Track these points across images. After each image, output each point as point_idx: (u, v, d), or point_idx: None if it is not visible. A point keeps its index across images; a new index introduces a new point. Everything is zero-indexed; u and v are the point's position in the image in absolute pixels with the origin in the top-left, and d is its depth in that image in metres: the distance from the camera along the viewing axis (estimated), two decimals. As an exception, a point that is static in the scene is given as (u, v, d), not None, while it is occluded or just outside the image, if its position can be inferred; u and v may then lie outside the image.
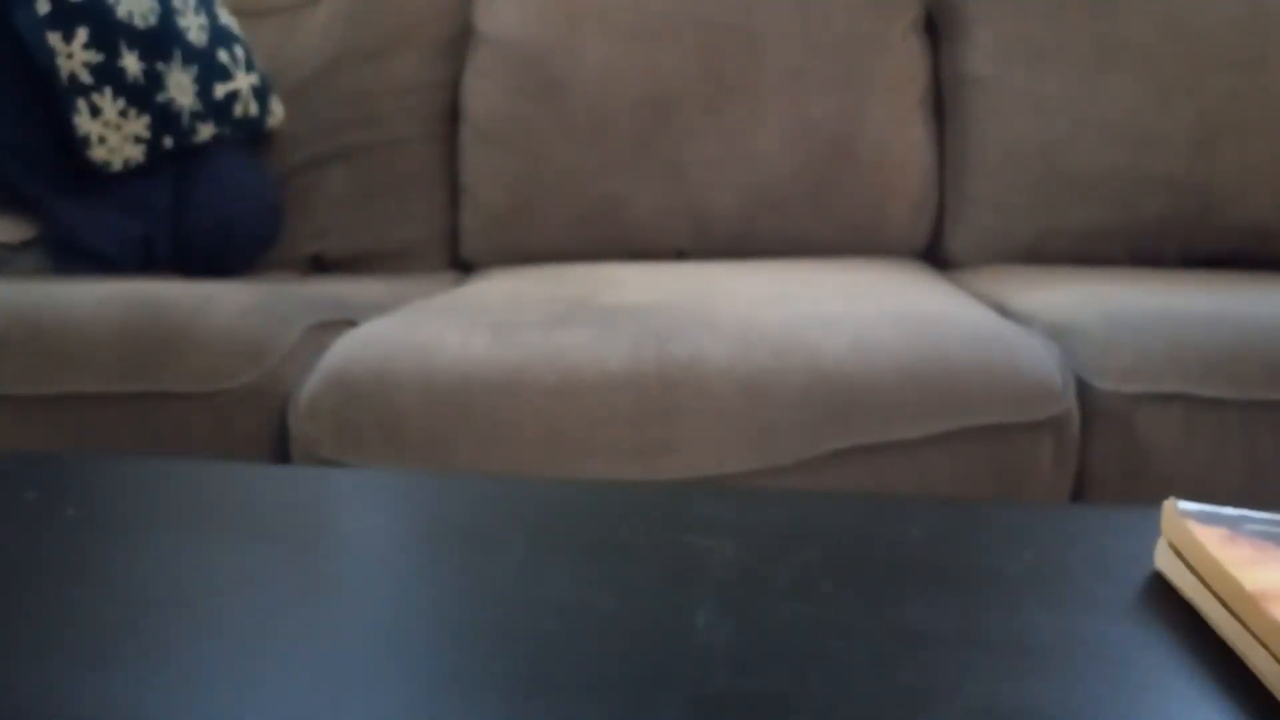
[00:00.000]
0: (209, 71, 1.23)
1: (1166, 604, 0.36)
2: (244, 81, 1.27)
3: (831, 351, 0.78)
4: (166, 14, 1.19)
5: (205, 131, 1.23)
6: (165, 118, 1.18)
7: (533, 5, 1.31)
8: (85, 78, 1.12)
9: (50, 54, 1.10)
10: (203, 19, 1.24)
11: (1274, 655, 0.30)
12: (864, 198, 1.28)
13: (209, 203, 1.25)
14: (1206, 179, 1.20)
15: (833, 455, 0.76)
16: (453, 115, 1.36)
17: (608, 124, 1.28)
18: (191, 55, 1.21)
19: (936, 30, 1.33)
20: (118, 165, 1.16)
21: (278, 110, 1.32)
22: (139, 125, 1.17)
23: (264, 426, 0.84)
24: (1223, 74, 1.19)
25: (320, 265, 1.35)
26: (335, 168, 1.34)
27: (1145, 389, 0.79)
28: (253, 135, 1.31)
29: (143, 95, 1.16)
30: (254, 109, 1.28)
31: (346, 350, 0.83)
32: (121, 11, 1.14)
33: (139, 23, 1.16)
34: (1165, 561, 0.38)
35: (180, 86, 1.20)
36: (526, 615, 0.35)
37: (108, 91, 1.14)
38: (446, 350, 0.80)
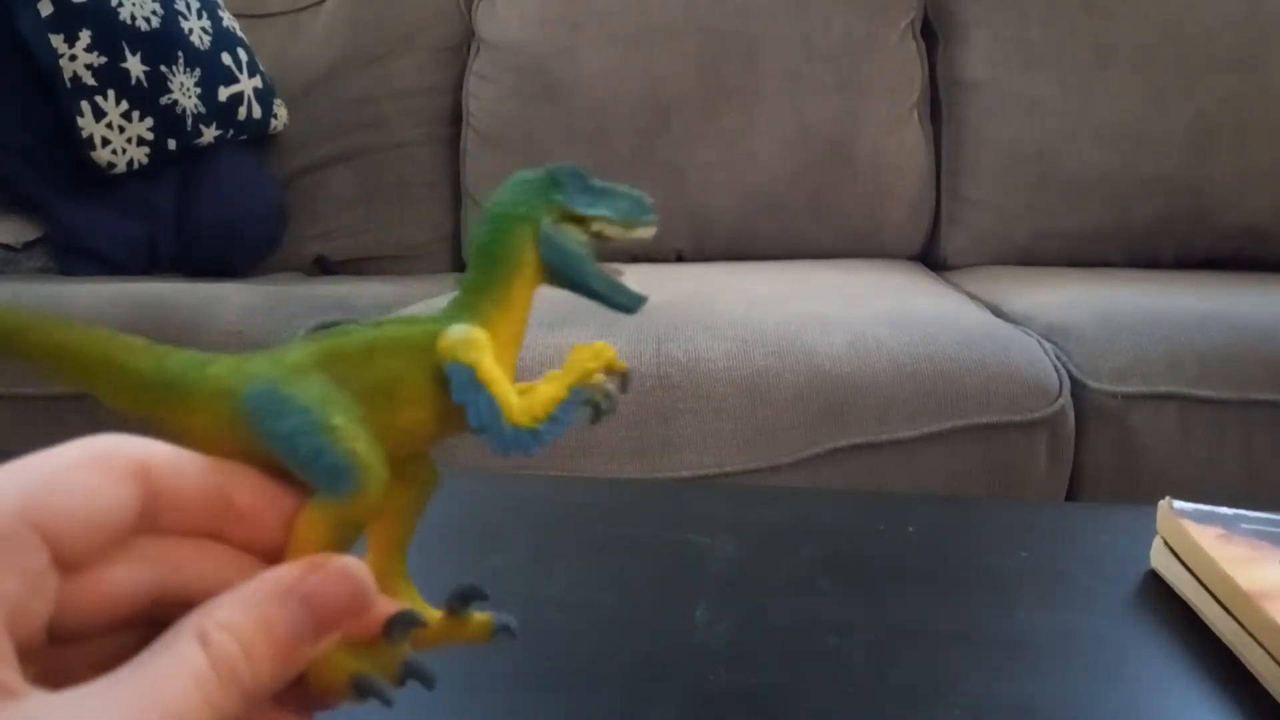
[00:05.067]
0: (212, 74, 1.23)
1: (1162, 602, 0.36)
2: (247, 84, 1.27)
3: (829, 352, 0.78)
4: (169, 17, 1.19)
5: (209, 134, 1.24)
6: (169, 120, 1.19)
7: (534, 10, 1.32)
8: (88, 80, 1.12)
9: (53, 56, 1.10)
10: (205, 22, 1.25)
11: (1270, 653, 0.30)
12: (861, 200, 1.28)
13: (213, 205, 1.25)
14: (1202, 180, 1.20)
15: (830, 454, 0.76)
16: (455, 119, 1.36)
17: (608, 127, 1.29)
18: (195, 58, 1.21)
19: (933, 34, 1.33)
20: (121, 167, 1.16)
21: (281, 113, 1.33)
22: (142, 127, 1.17)
23: (266, 427, 0.84)
24: (1219, 76, 1.20)
25: (323, 267, 1.35)
26: (338, 170, 1.34)
27: (1140, 389, 0.79)
28: (256, 138, 1.31)
29: (146, 97, 1.16)
30: (258, 112, 1.29)
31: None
32: (124, 14, 1.15)
33: (142, 25, 1.16)
34: (1160, 560, 0.38)
35: (183, 89, 1.20)
36: (528, 611, 0.35)
37: (111, 94, 1.14)
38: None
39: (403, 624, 0.21)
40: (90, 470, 0.18)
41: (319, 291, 1.09)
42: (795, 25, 1.28)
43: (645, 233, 0.22)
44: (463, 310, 0.22)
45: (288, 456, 0.19)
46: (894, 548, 0.41)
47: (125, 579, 0.18)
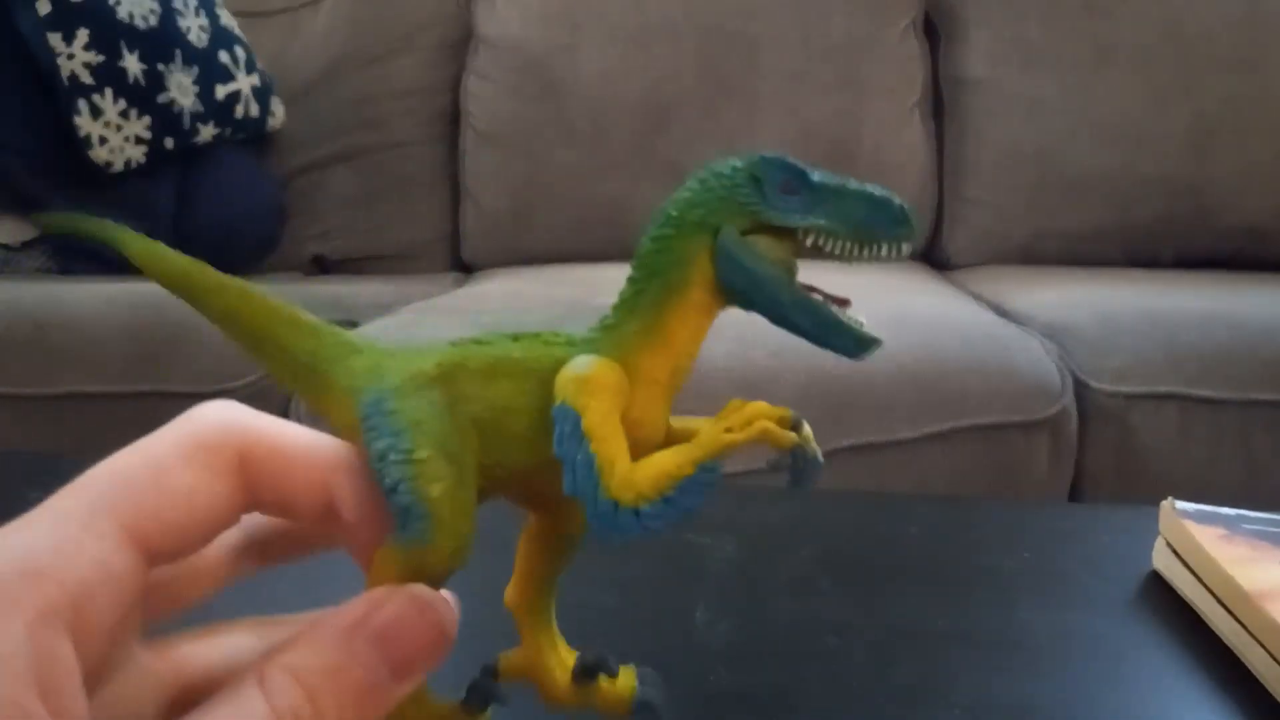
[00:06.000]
0: (210, 73, 1.23)
1: (1163, 602, 0.36)
2: (245, 83, 1.27)
3: (829, 352, 0.78)
4: (167, 15, 1.19)
5: (206, 133, 1.23)
6: (166, 119, 1.18)
7: (534, 9, 1.31)
8: (86, 78, 1.12)
9: (51, 55, 1.10)
10: (204, 20, 1.25)
11: (1271, 654, 0.30)
12: (863, 199, 1.28)
13: (210, 204, 1.25)
14: (1202, 180, 1.20)
15: (831, 454, 0.76)
16: (454, 118, 1.36)
17: (607, 127, 1.28)
18: (192, 56, 1.21)
19: (934, 33, 1.33)
20: (119, 166, 1.16)
21: (279, 112, 1.32)
22: (140, 126, 1.17)
23: (265, 427, 0.84)
24: (1219, 76, 1.20)
25: (322, 266, 1.35)
26: (337, 169, 1.34)
27: (1141, 389, 0.79)
28: (254, 136, 1.31)
29: (144, 96, 1.16)
30: (255, 110, 1.28)
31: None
32: (122, 13, 1.15)
33: (140, 24, 1.16)
34: (1162, 560, 0.38)
35: (181, 87, 1.20)
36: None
37: (109, 92, 1.14)
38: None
39: (482, 697, 0.18)
40: (192, 471, 0.17)
41: (317, 291, 1.09)
42: (796, 24, 1.28)
43: (890, 251, 0.17)
44: (605, 334, 0.18)
45: (378, 480, 0.17)
46: (895, 548, 0.41)
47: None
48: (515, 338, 0.18)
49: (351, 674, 0.16)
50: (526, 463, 0.17)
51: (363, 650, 0.16)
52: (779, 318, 0.17)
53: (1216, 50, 1.20)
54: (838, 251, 0.17)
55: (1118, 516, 0.44)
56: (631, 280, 0.18)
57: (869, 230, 0.17)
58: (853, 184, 0.17)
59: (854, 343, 0.18)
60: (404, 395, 0.17)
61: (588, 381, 0.17)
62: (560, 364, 0.17)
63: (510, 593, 0.20)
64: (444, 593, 0.18)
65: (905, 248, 0.17)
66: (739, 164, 0.18)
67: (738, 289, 0.17)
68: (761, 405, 0.17)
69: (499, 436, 0.17)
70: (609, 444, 0.16)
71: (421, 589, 0.17)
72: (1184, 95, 1.20)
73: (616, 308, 0.18)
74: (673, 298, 0.17)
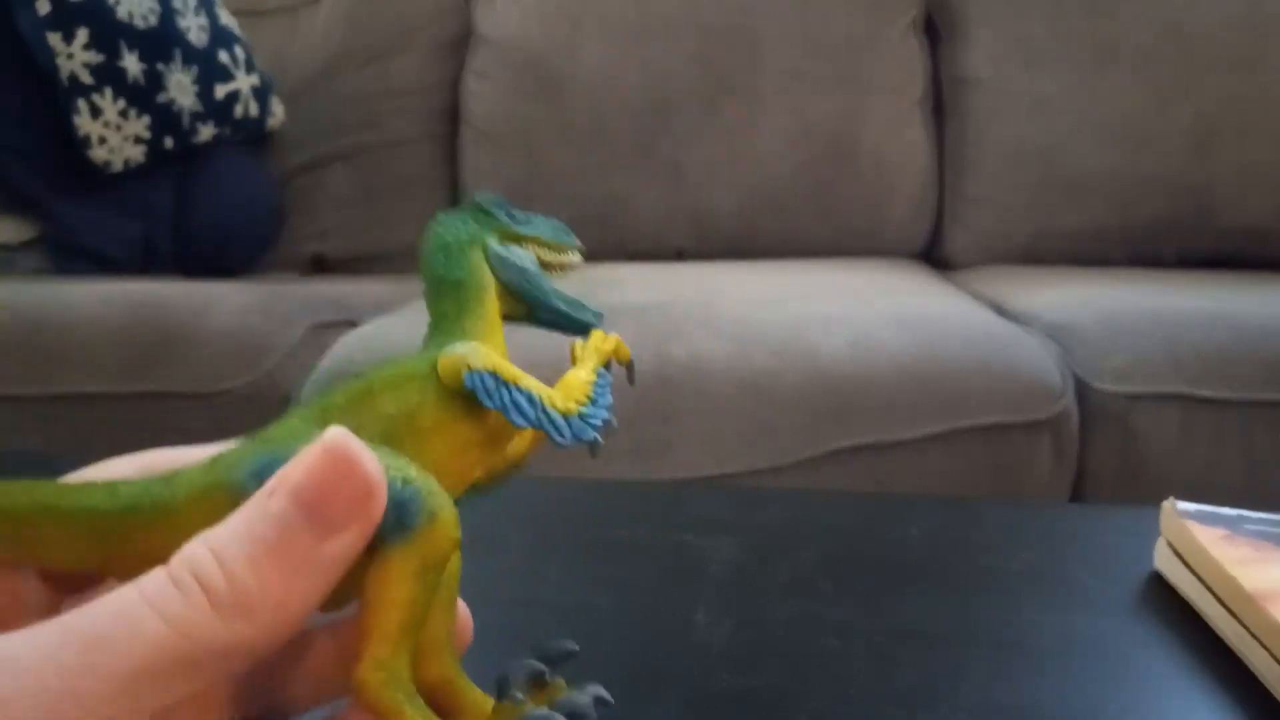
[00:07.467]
0: (209, 72, 1.23)
1: (1165, 603, 0.36)
2: (244, 82, 1.27)
3: (830, 352, 0.78)
4: (167, 15, 1.19)
5: (205, 132, 1.23)
6: (166, 118, 1.18)
7: (533, 6, 1.31)
8: (86, 78, 1.12)
9: (50, 54, 1.10)
10: (203, 19, 1.24)
11: (1273, 655, 0.30)
12: (863, 198, 1.28)
13: (209, 203, 1.25)
14: (1204, 180, 1.20)
15: (831, 455, 0.76)
16: (453, 116, 1.36)
17: (607, 125, 1.28)
18: (192, 56, 1.21)
19: (936, 31, 1.33)
20: (118, 166, 1.16)
21: (278, 111, 1.32)
22: (139, 126, 1.17)
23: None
24: (1220, 75, 1.20)
25: (321, 265, 1.35)
26: (335, 168, 1.34)
27: (1143, 389, 0.79)
28: (253, 136, 1.31)
29: (143, 96, 1.16)
30: (254, 109, 1.28)
31: (347, 351, 0.83)
32: (122, 12, 1.14)
33: (139, 23, 1.16)
34: (1164, 561, 0.38)
35: (181, 87, 1.20)
36: (526, 614, 0.35)
37: (108, 92, 1.14)
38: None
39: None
40: None
41: (316, 290, 1.09)
42: (797, 21, 1.28)
43: (574, 258, 0.23)
44: (448, 338, 0.20)
45: None
46: (896, 549, 0.40)
47: None
48: (359, 376, 0.19)
49: (265, 529, 0.15)
50: (447, 449, 0.19)
51: (275, 505, 0.15)
52: (543, 304, 0.22)
53: (1217, 50, 1.20)
54: (545, 257, 0.22)
55: (1119, 517, 0.44)
56: (442, 298, 0.21)
57: (560, 241, 0.22)
58: (534, 214, 0.23)
59: (594, 316, 0.22)
60: (299, 444, 0.16)
61: (477, 349, 0.19)
62: (430, 362, 0.19)
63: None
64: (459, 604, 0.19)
65: (579, 258, 0.23)
66: (466, 206, 0.22)
67: (514, 284, 0.21)
68: (603, 334, 0.22)
69: (414, 438, 0.18)
70: (529, 379, 0.19)
71: (335, 438, 0.15)
72: (1185, 95, 1.20)
73: (439, 326, 0.20)
74: (484, 296, 0.21)
